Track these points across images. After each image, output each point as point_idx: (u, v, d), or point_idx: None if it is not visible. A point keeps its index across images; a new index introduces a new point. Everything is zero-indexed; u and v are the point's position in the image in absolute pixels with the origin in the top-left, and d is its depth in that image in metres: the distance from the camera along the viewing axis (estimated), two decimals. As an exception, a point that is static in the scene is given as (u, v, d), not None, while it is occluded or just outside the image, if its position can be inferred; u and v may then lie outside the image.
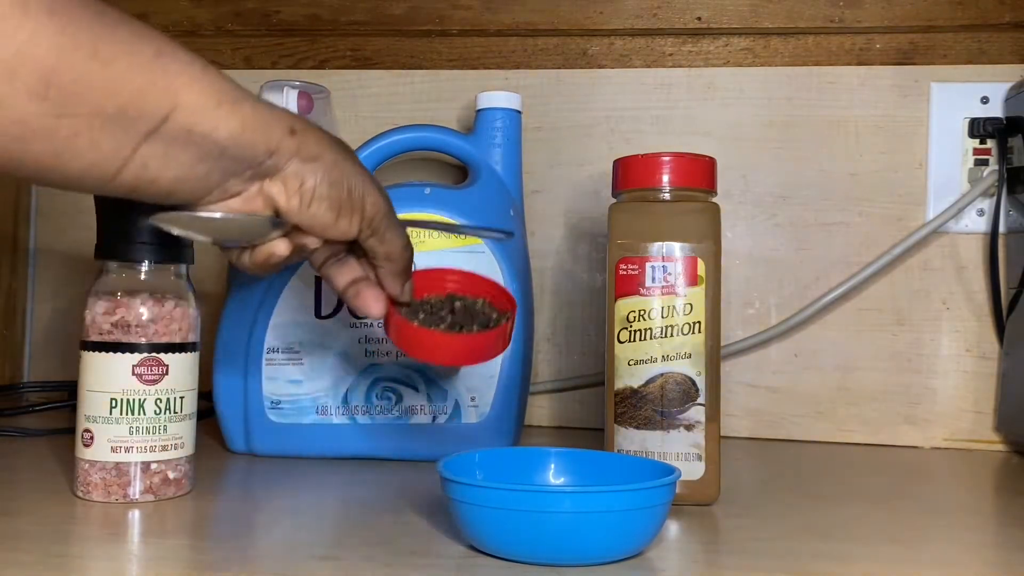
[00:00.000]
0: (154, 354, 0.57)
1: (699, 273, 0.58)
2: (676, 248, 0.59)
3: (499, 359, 0.72)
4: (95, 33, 0.40)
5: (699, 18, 0.92)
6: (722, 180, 0.66)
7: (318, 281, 0.72)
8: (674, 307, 0.58)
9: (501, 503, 0.45)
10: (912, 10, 0.89)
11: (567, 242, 0.93)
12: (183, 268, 0.60)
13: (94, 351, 0.56)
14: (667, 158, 0.60)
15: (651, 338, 0.58)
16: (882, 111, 0.88)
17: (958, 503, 0.65)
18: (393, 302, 0.56)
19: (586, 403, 0.92)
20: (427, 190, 0.74)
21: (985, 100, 0.87)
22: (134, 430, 0.56)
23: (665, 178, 0.60)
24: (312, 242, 0.51)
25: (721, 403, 0.60)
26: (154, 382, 0.57)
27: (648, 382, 0.58)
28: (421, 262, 0.71)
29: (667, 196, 0.60)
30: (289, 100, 0.76)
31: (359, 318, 0.71)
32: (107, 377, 0.56)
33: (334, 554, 0.47)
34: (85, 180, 0.43)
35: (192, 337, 0.59)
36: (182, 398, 0.58)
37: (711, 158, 0.62)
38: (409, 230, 0.71)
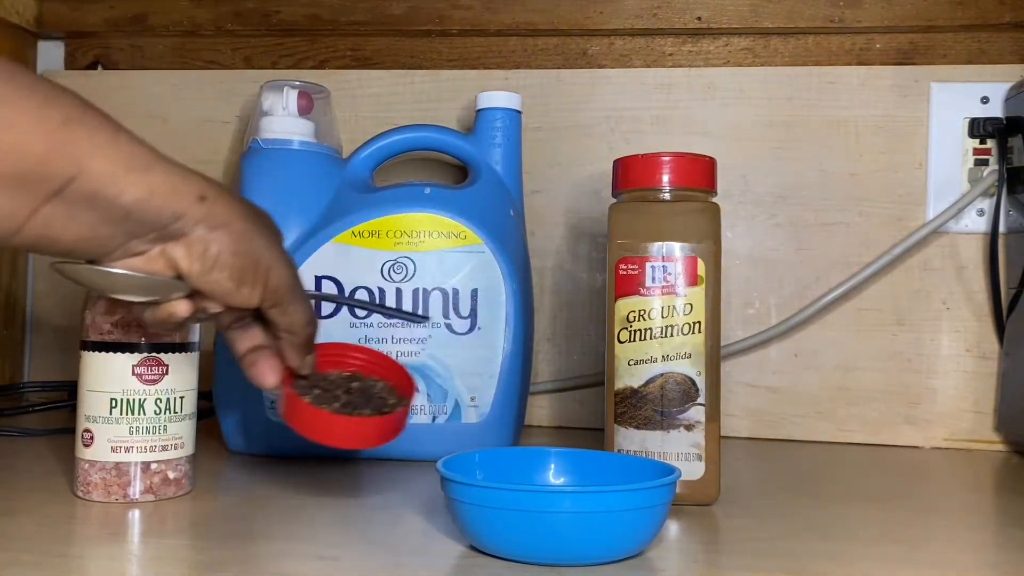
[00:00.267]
0: (154, 354, 0.57)
1: (699, 273, 0.58)
2: (676, 248, 0.59)
3: (500, 359, 0.72)
4: (2, 98, 0.40)
5: (699, 18, 0.92)
6: (722, 180, 0.66)
7: (318, 281, 0.72)
8: (674, 307, 0.58)
9: (501, 503, 0.45)
10: (912, 10, 0.89)
11: (567, 242, 0.93)
12: (183, 268, 0.60)
13: (94, 351, 0.56)
14: (667, 158, 0.60)
15: (651, 338, 0.58)
16: (882, 111, 0.88)
17: (958, 503, 0.65)
18: (291, 374, 0.56)
19: (586, 403, 0.92)
20: (427, 190, 0.74)
21: (985, 100, 0.87)
22: (134, 430, 0.56)
23: (665, 178, 0.60)
24: (213, 306, 0.51)
25: (721, 403, 0.60)
26: (154, 382, 0.57)
27: (648, 382, 0.58)
28: (422, 262, 0.72)
29: (667, 196, 0.60)
30: (289, 100, 0.76)
31: (359, 318, 0.71)
32: (107, 377, 0.56)
33: (334, 554, 0.47)
34: None
35: (192, 337, 0.59)
36: (182, 398, 0.58)
37: (711, 158, 0.62)
38: (409, 230, 0.72)
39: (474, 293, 0.72)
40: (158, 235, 0.47)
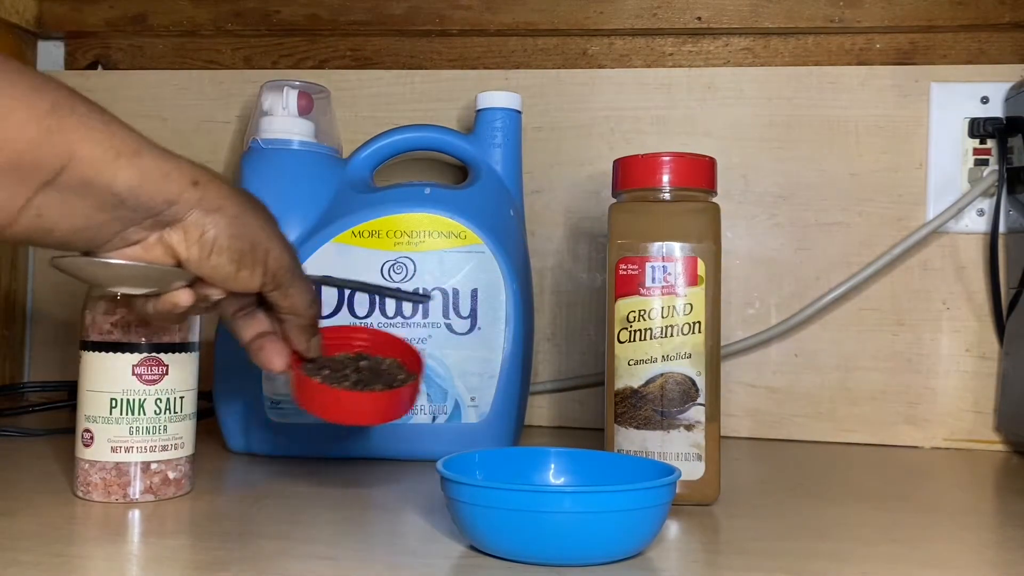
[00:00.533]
0: (154, 354, 0.57)
1: (699, 273, 0.58)
2: (676, 248, 0.58)
3: (500, 359, 0.72)
4: None
5: (699, 18, 0.92)
6: (722, 180, 0.66)
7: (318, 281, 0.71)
8: (674, 307, 0.58)
9: (501, 503, 0.45)
10: (912, 10, 0.89)
11: (567, 242, 0.93)
12: (183, 268, 0.60)
13: (94, 351, 0.56)
14: (667, 158, 0.60)
15: (651, 338, 0.58)
16: (882, 111, 0.88)
17: (958, 503, 0.65)
18: (298, 358, 0.56)
19: (586, 403, 0.92)
20: (427, 190, 0.74)
21: (985, 100, 0.87)
22: (134, 430, 0.56)
23: (665, 178, 0.60)
24: (215, 293, 0.51)
25: (721, 403, 0.60)
26: (154, 382, 0.57)
27: (648, 382, 0.58)
28: (422, 262, 0.72)
29: (667, 196, 0.60)
30: (289, 100, 0.76)
31: (360, 318, 0.71)
32: (107, 377, 0.56)
33: (334, 554, 0.47)
34: None
35: (192, 337, 0.59)
36: (182, 398, 0.58)
37: (711, 158, 0.62)
38: (409, 230, 0.72)
39: (474, 293, 0.72)
40: (153, 222, 0.47)
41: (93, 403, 0.56)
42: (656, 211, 0.60)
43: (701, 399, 0.58)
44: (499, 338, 0.72)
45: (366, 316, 0.71)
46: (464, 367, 0.71)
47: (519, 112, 0.79)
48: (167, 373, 0.57)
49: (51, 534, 0.50)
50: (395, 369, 0.59)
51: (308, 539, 0.50)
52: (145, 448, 0.56)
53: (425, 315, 0.71)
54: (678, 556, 0.49)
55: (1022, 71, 0.86)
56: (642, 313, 0.59)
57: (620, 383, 0.59)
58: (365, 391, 0.56)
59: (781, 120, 0.90)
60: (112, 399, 0.56)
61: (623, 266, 0.59)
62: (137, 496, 0.56)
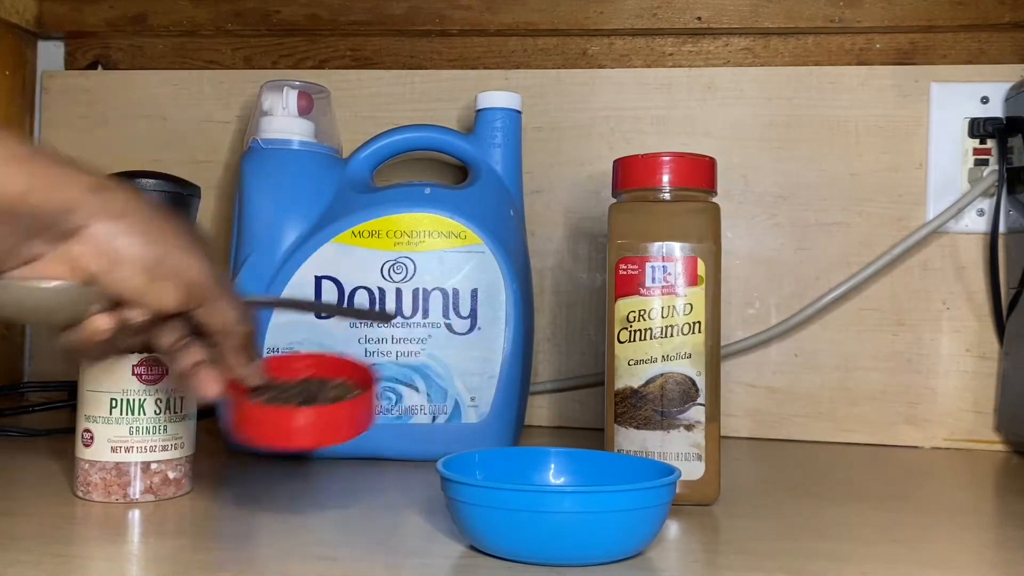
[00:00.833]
0: (154, 354, 0.57)
1: (699, 273, 0.58)
2: (676, 248, 0.58)
3: (500, 359, 0.72)
4: None
5: (699, 18, 0.92)
6: (722, 180, 0.66)
7: (318, 281, 0.72)
8: (674, 307, 0.58)
9: (501, 503, 0.45)
10: (912, 10, 0.89)
11: (567, 242, 0.93)
12: (183, 268, 0.60)
13: (94, 351, 0.56)
14: (667, 158, 0.60)
15: (651, 338, 0.58)
16: (882, 111, 0.88)
17: (958, 503, 0.65)
18: (239, 389, 0.51)
19: (586, 403, 0.92)
20: (427, 190, 0.74)
21: (985, 100, 0.87)
22: (134, 430, 0.56)
23: (665, 178, 0.60)
24: (135, 314, 0.46)
25: (721, 403, 0.60)
26: (154, 382, 0.57)
27: (648, 382, 0.58)
28: (422, 262, 0.72)
29: (667, 196, 0.60)
30: (289, 100, 0.76)
31: (360, 317, 0.71)
32: (107, 377, 0.56)
33: (334, 554, 0.47)
34: None
35: (192, 337, 0.59)
36: (182, 398, 0.58)
37: (711, 158, 0.62)
38: (409, 230, 0.72)
39: (474, 293, 0.72)
40: (53, 234, 0.43)
41: (93, 403, 0.56)
42: (656, 211, 0.60)
43: (701, 399, 0.58)
44: (499, 338, 0.72)
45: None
46: (464, 367, 0.71)
47: (519, 112, 0.79)
48: (167, 373, 0.57)
49: (51, 534, 0.50)
50: (344, 389, 0.54)
51: (308, 539, 0.50)
52: (145, 448, 0.56)
53: (425, 315, 0.71)
54: (678, 556, 0.49)
55: (1022, 71, 0.86)
56: (642, 313, 0.59)
57: (620, 383, 0.59)
58: (312, 407, 0.51)
59: (781, 120, 0.90)
60: (112, 399, 0.56)
61: (623, 266, 0.59)
62: (137, 496, 0.56)
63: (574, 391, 0.92)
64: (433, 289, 0.71)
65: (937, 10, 0.89)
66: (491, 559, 0.46)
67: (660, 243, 0.59)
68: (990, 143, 0.86)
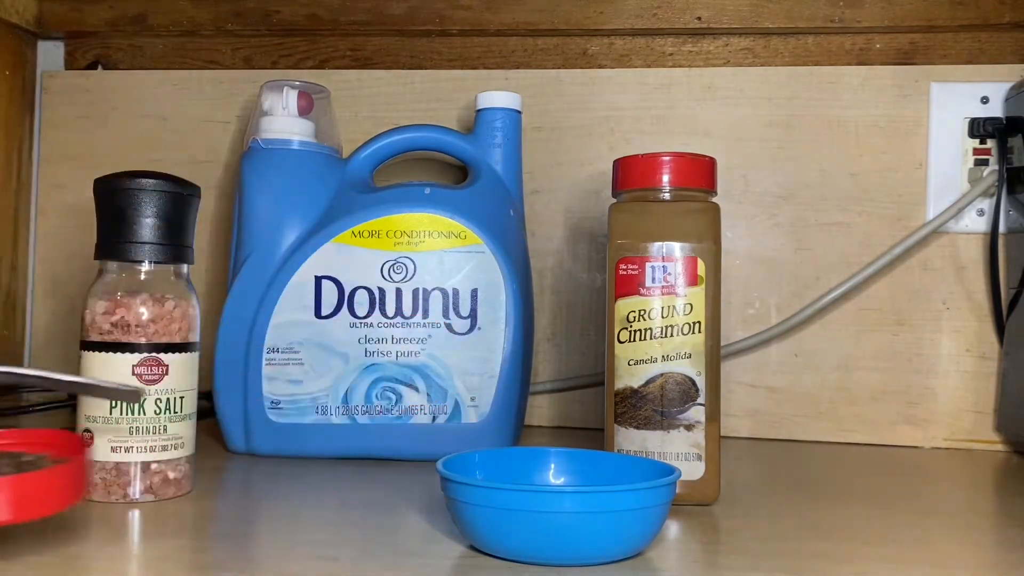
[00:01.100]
0: (154, 354, 0.57)
1: (699, 273, 0.58)
2: (676, 248, 0.58)
3: (500, 359, 0.72)
4: None
5: (699, 18, 0.92)
6: (722, 180, 0.66)
7: (318, 281, 0.72)
8: (674, 307, 0.58)
9: (501, 503, 0.45)
10: (912, 10, 0.89)
11: (567, 242, 0.93)
12: (183, 268, 0.60)
13: (94, 351, 0.56)
14: (667, 158, 0.60)
15: (651, 338, 0.58)
16: (882, 111, 0.88)
17: (958, 503, 0.65)
18: None
19: (586, 403, 0.92)
20: (427, 190, 0.74)
21: (985, 100, 0.87)
22: (134, 430, 0.56)
23: (665, 178, 0.60)
24: None
25: (721, 403, 0.60)
26: (154, 382, 0.57)
27: (648, 382, 0.58)
28: (422, 262, 0.72)
29: (667, 196, 0.60)
30: (289, 100, 0.76)
31: (359, 318, 0.71)
32: (107, 377, 0.56)
33: (334, 554, 0.47)
34: None
35: (192, 337, 0.59)
36: (182, 398, 0.58)
37: (711, 158, 0.62)
38: (409, 230, 0.72)
39: (474, 293, 0.72)
40: None
41: (93, 403, 0.56)
42: (656, 211, 0.60)
43: (701, 399, 0.58)
44: (499, 338, 0.72)
45: (366, 316, 0.71)
46: (464, 367, 0.71)
47: (519, 112, 0.79)
48: (167, 373, 0.57)
49: (51, 534, 0.50)
50: (43, 461, 0.48)
51: (308, 539, 0.50)
52: (145, 448, 0.56)
53: (425, 315, 0.71)
54: (678, 556, 0.49)
55: (1022, 71, 0.86)
56: (642, 313, 0.59)
57: (620, 383, 0.59)
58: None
59: (781, 120, 0.90)
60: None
61: (623, 266, 0.59)
62: (137, 496, 0.56)
63: (574, 391, 0.92)
64: (433, 289, 0.71)
65: (937, 10, 0.89)
66: (491, 559, 0.46)
67: (660, 243, 0.59)
68: (990, 143, 0.86)
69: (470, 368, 0.71)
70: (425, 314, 0.71)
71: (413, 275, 0.72)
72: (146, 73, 1.00)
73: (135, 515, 0.54)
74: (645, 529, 0.47)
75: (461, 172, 0.88)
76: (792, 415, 0.89)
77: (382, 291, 0.71)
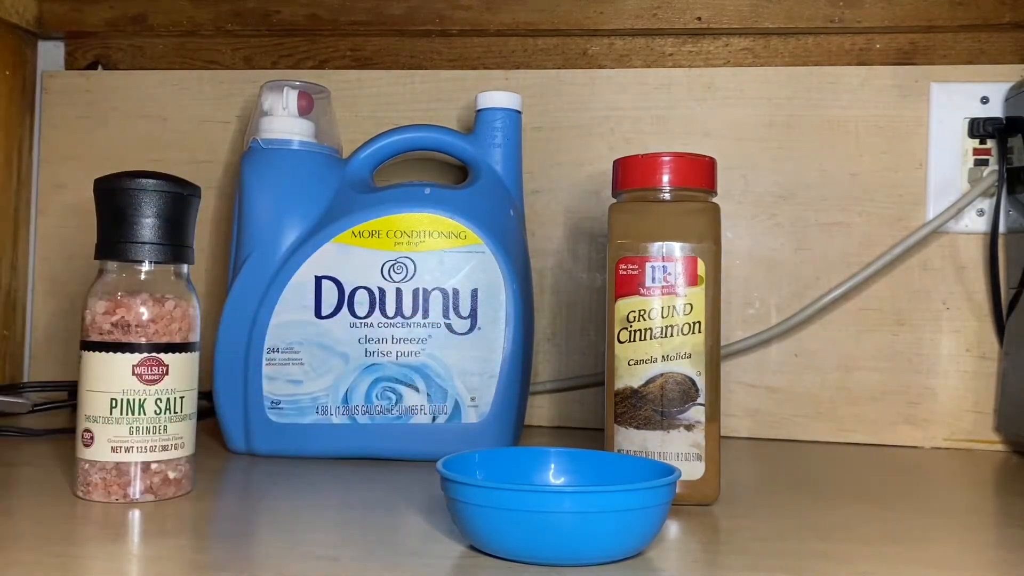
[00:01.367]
0: (154, 354, 0.57)
1: (699, 273, 0.58)
2: (676, 248, 0.59)
3: (500, 359, 0.72)
4: None
5: (699, 18, 0.92)
6: (722, 180, 0.66)
7: (318, 281, 0.72)
8: (674, 307, 0.58)
9: (501, 503, 0.45)
10: (912, 10, 0.89)
11: (567, 242, 0.93)
12: (183, 268, 0.60)
13: (94, 351, 0.56)
14: (667, 158, 0.60)
15: (651, 338, 0.58)
16: (882, 111, 0.88)
17: (958, 503, 0.65)
18: None
19: (586, 403, 0.92)
20: (427, 190, 0.74)
21: (985, 100, 0.87)
22: (134, 430, 0.56)
23: (665, 178, 0.60)
24: None
25: (721, 403, 0.60)
26: (154, 382, 0.57)
27: (648, 382, 0.58)
28: (422, 262, 0.72)
29: (667, 196, 0.60)
30: (289, 100, 0.76)
31: (360, 317, 0.71)
32: (107, 377, 0.56)
33: (334, 554, 0.47)
34: None
35: (192, 337, 0.59)
36: (182, 398, 0.58)
37: (711, 158, 0.62)
38: (409, 230, 0.72)
39: (474, 293, 0.72)
40: None
41: (93, 403, 0.56)
42: (656, 211, 0.60)
43: (701, 399, 0.58)
44: (499, 338, 0.72)
45: (366, 316, 0.71)
46: (464, 367, 0.71)
47: (519, 112, 0.79)
48: (167, 373, 0.57)
49: (51, 534, 0.50)
50: None
51: (308, 539, 0.50)
52: (145, 448, 0.56)
53: (425, 315, 0.71)
54: (678, 556, 0.49)
55: (1022, 71, 0.86)
56: (642, 313, 0.59)
57: (620, 383, 0.59)
58: None
59: (781, 120, 0.90)
60: (112, 399, 0.56)
61: (623, 266, 0.59)
62: (137, 496, 0.56)
63: (574, 391, 0.92)
64: (433, 289, 0.72)
65: (937, 10, 0.89)
66: (491, 559, 0.46)
67: (660, 243, 0.59)
68: (990, 143, 0.86)
69: (470, 368, 0.71)
70: (425, 314, 0.71)
71: (413, 275, 0.72)
72: (146, 73, 1.00)
73: (135, 515, 0.54)
74: (645, 529, 0.47)
75: (461, 172, 0.88)
76: (792, 415, 0.89)
77: (382, 291, 0.71)
